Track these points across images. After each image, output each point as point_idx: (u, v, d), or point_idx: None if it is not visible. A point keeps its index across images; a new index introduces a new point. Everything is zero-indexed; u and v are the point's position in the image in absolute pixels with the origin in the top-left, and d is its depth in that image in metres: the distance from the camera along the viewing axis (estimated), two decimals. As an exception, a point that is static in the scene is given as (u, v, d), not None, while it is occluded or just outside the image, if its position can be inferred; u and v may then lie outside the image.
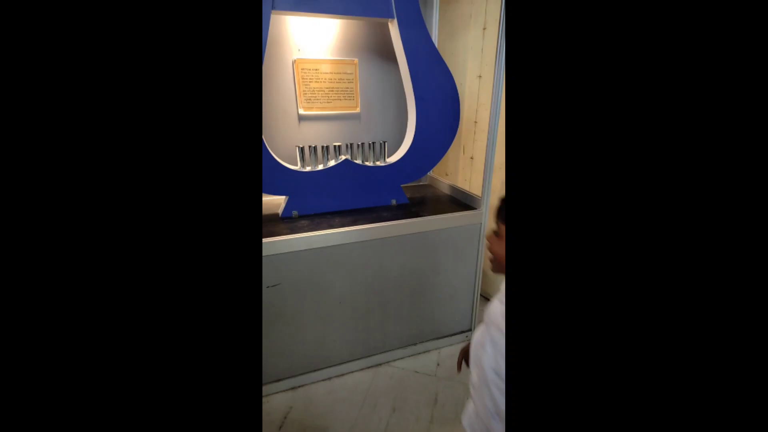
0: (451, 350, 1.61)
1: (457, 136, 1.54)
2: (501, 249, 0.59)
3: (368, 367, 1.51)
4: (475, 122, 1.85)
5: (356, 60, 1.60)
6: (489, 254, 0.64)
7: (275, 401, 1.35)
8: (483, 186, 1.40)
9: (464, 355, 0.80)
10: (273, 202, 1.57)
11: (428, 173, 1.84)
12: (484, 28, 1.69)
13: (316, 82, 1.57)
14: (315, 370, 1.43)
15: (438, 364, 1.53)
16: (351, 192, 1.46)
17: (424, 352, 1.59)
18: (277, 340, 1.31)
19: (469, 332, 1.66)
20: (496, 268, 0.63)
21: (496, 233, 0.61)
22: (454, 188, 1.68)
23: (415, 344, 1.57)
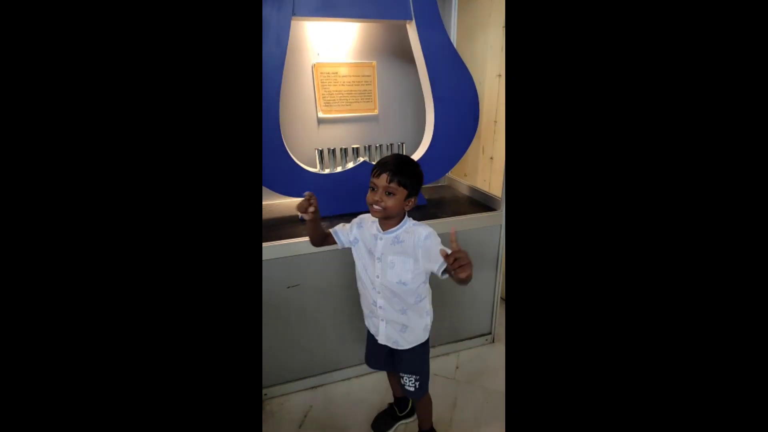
0: (470, 354, 1.59)
1: (476, 136, 1.52)
2: (394, 203, 0.77)
3: (387, 369, 1.51)
4: (495, 122, 1.82)
5: (374, 62, 1.61)
6: (378, 207, 0.79)
7: (295, 400, 1.38)
8: (503, 187, 1.37)
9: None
10: (293, 204, 1.60)
11: (447, 174, 1.83)
12: (504, 26, 1.66)
13: (334, 85, 1.59)
14: (334, 370, 1.44)
15: (457, 368, 1.51)
16: (369, 194, 1.47)
17: (443, 354, 1.58)
18: (297, 339, 1.33)
19: (489, 335, 1.63)
20: (376, 214, 0.80)
21: (389, 193, 0.78)
22: (473, 189, 1.65)
23: (434, 347, 1.55)
